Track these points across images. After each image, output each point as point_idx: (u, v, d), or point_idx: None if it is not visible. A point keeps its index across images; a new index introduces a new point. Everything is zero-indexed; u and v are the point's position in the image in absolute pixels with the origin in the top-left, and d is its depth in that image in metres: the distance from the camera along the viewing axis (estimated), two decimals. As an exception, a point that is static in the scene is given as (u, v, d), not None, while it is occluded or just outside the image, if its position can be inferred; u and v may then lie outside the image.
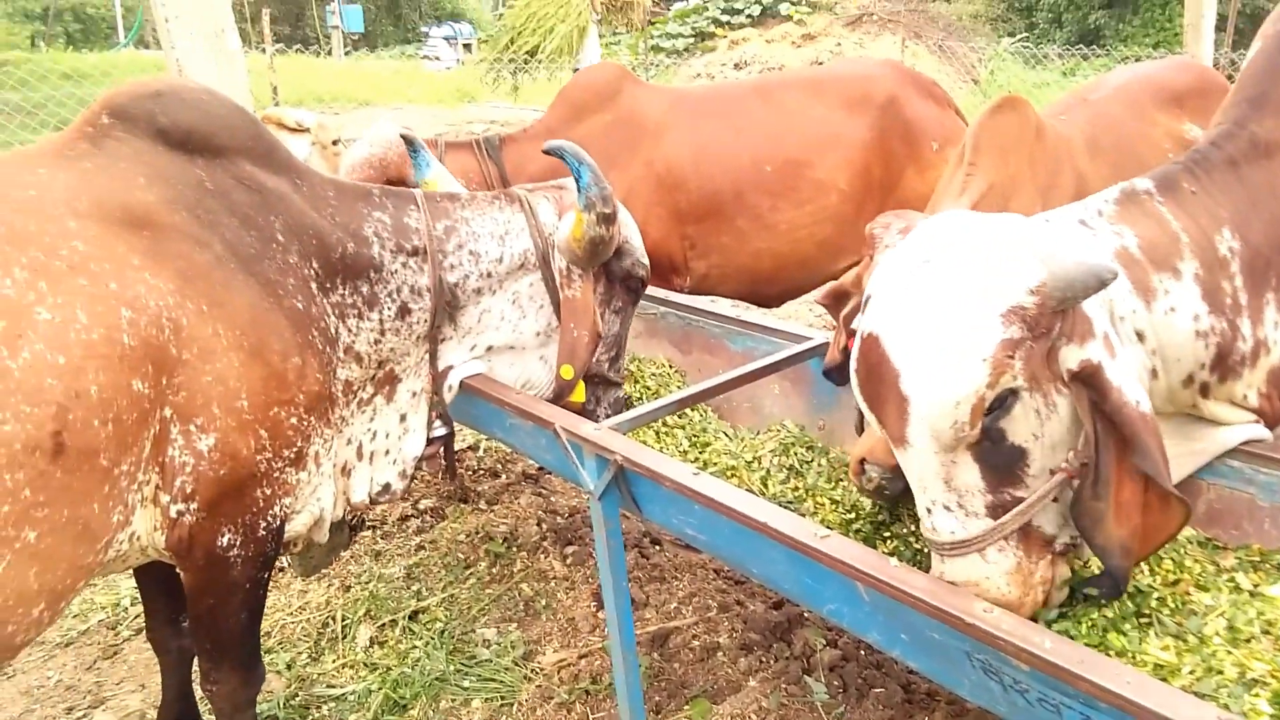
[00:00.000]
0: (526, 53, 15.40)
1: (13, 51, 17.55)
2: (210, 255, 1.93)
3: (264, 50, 11.14)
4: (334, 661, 3.03)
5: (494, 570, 3.48)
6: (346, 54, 22.70)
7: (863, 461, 2.05)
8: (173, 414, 1.83)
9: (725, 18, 21.15)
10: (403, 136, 3.00)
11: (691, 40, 21.04)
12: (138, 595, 3.39)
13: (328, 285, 2.18)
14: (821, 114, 3.92)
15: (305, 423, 2.06)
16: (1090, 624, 1.87)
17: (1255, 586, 1.85)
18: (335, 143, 4.56)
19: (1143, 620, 1.84)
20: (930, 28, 20.46)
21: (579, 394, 2.68)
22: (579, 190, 2.40)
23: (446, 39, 26.46)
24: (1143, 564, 1.97)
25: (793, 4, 20.42)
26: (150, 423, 1.79)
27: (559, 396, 2.67)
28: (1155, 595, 1.88)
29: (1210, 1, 8.37)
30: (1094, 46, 18.44)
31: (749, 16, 20.88)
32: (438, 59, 24.45)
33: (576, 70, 13.94)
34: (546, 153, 2.42)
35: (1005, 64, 17.46)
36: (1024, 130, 2.71)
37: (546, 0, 16.04)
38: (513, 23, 16.18)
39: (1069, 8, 21.96)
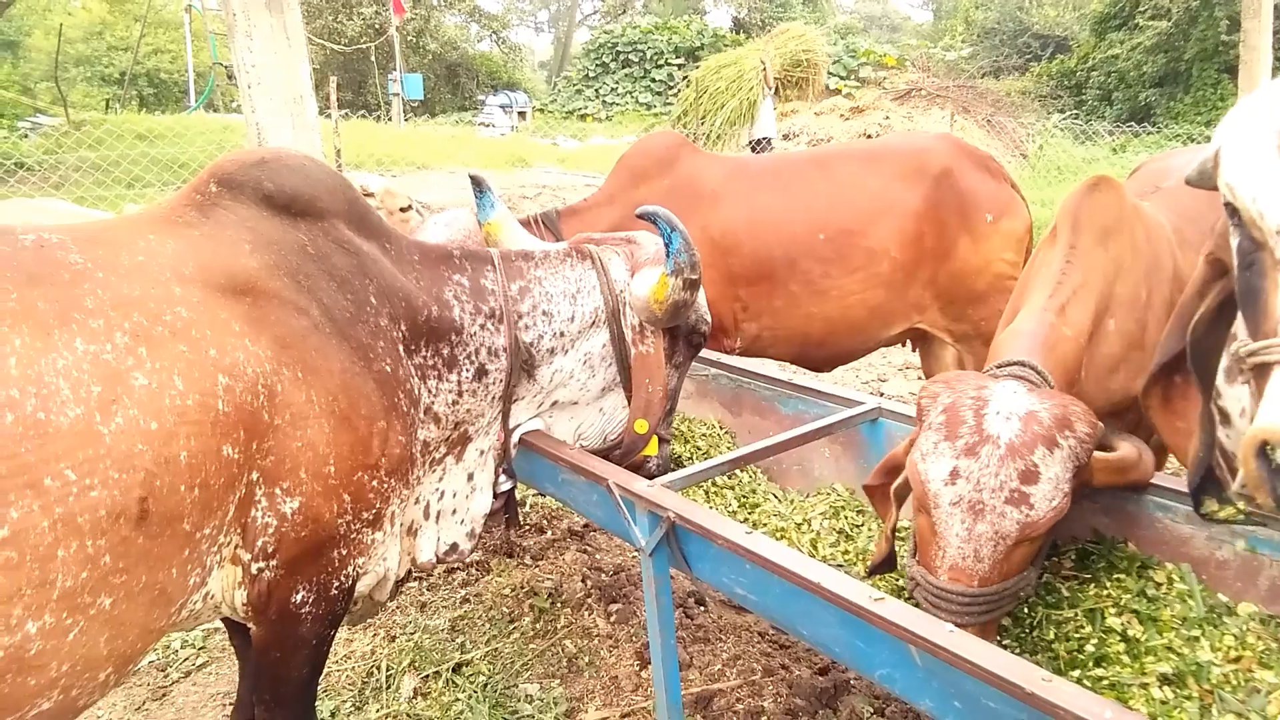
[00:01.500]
0: (700, 119, 16.11)
1: (89, 113, 18.32)
2: (308, 321, 1.95)
3: (329, 116, 11.52)
4: (377, 711, 3.03)
5: (538, 625, 3.48)
6: (406, 120, 23.37)
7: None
8: (260, 478, 1.84)
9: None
10: (470, 177, 3.06)
11: (741, 112, 21.37)
12: (187, 638, 3.45)
13: (412, 347, 2.21)
14: (876, 184, 3.97)
15: (386, 485, 2.07)
16: (1149, 698, 1.84)
17: (1321, 666, 1.81)
18: (405, 209, 4.65)
19: (1205, 696, 1.81)
20: (979, 103, 20.62)
21: (652, 447, 2.70)
22: (668, 254, 2.44)
23: (502, 107, 27.17)
24: (1202, 640, 1.94)
25: (841, 78, 20.74)
26: (237, 487, 1.80)
27: (632, 450, 2.68)
28: (1217, 671, 1.85)
29: (1265, 79, 8.38)
30: (1145, 124, 18.42)
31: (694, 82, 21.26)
32: (493, 125, 25.08)
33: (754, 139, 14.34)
34: (640, 217, 2.47)
35: (1054, 140, 17.50)
36: (1124, 211, 2.57)
37: (720, 77, 16.70)
38: (690, 96, 16.89)
39: (1119, 85, 22.05)
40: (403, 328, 2.18)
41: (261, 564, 1.91)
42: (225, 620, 2.42)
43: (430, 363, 2.27)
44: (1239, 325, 1.75)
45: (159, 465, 1.62)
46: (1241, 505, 1.82)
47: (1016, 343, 2.25)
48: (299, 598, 2.00)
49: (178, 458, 1.65)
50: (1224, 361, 2.15)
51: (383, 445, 2.04)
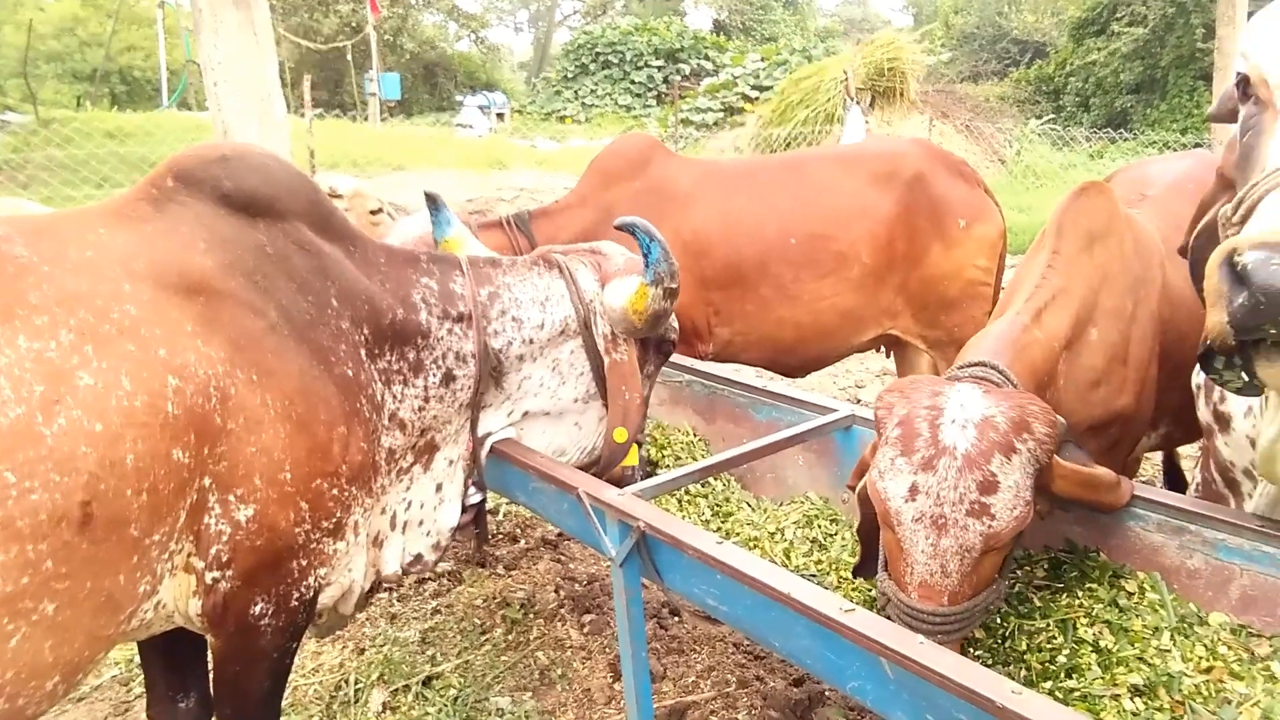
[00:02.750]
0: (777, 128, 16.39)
1: (59, 110, 18.10)
2: (264, 322, 1.90)
3: (303, 115, 11.42)
4: (345, 725, 2.98)
5: (510, 637, 3.44)
6: (383, 120, 23.24)
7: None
8: (212, 483, 1.80)
9: (754, 93, 21.57)
10: (425, 194, 3.02)
11: (721, 114, 21.44)
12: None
13: (376, 351, 2.16)
14: (848, 188, 3.97)
15: (347, 493, 2.02)
16: (1120, 709, 1.83)
17: (1291, 676, 1.80)
18: (375, 212, 4.59)
19: (1176, 707, 1.80)
20: (958, 108, 20.76)
21: (633, 456, 2.67)
22: (647, 264, 2.41)
23: (480, 108, 27.07)
24: (1174, 650, 1.93)
25: (788, 80, 20.84)
26: (188, 492, 1.75)
27: (612, 461, 2.64)
28: (1188, 682, 1.84)
29: (1236, 88, 8.47)
30: (1121, 130, 18.61)
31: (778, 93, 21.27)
32: (471, 127, 24.98)
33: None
34: (619, 228, 2.44)
35: (1032, 145, 17.64)
36: (1113, 218, 2.54)
37: (800, 88, 16.77)
38: (771, 107, 17.20)
39: (1096, 91, 22.26)
40: (366, 331, 2.13)
41: (216, 573, 1.85)
42: (149, 693, 2.37)
43: (395, 367, 2.22)
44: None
45: (103, 468, 1.57)
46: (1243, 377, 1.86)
47: (981, 344, 2.23)
48: (258, 609, 1.94)
49: (124, 460, 1.60)
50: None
51: (343, 451, 1.98)
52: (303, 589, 2.02)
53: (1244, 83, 1.73)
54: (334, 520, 2.01)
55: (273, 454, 1.85)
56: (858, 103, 15.54)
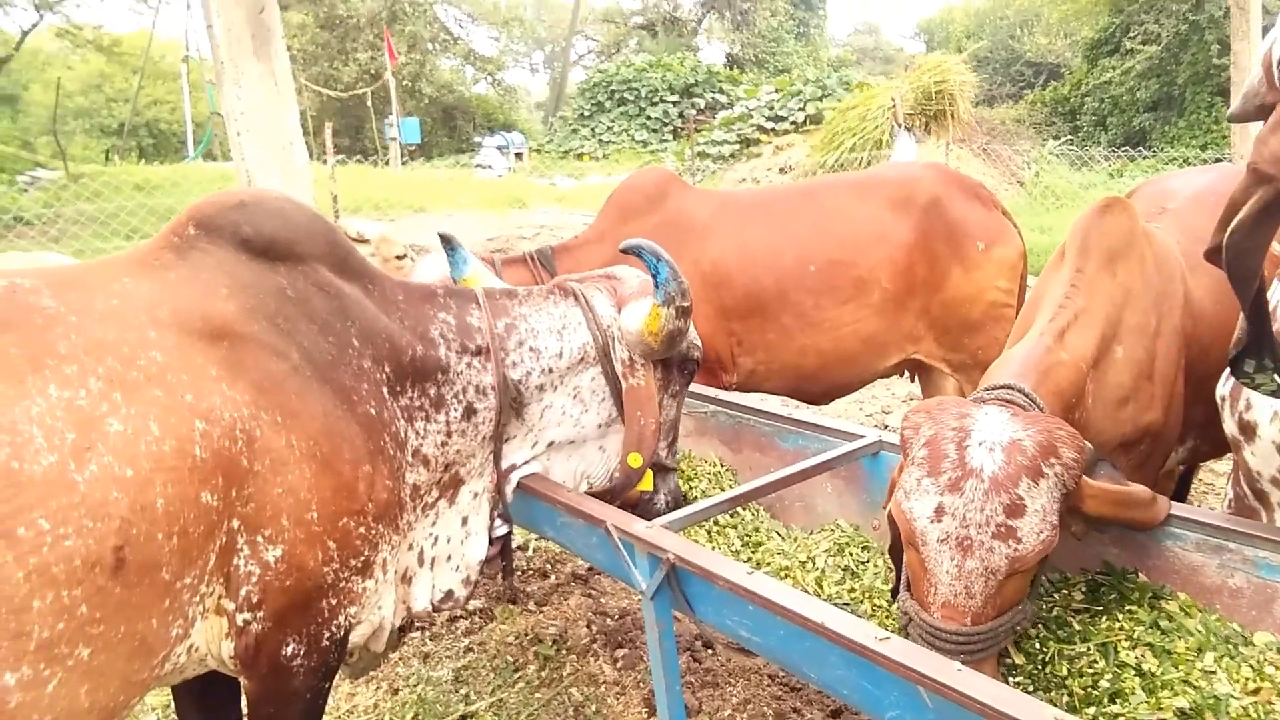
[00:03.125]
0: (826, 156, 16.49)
1: (88, 165, 18.47)
2: (287, 364, 1.93)
3: (325, 161, 11.60)
4: (380, 767, 2.97)
5: (543, 674, 3.42)
6: (404, 164, 23.55)
7: None
8: (240, 525, 1.81)
9: (770, 124, 21.68)
10: (440, 235, 3.05)
11: (737, 146, 21.55)
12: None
13: (398, 389, 2.18)
14: (865, 214, 3.97)
15: (374, 531, 2.04)
16: (1168, 735, 1.79)
17: (1341, 696, 1.76)
18: (400, 257, 4.64)
19: (1224, 731, 1.76)
20: (974, 132, 20.74)
21: (647, 482, 2.66)
22: (657, 285, 2.42)
23: (499, 148, 27.39)
24: (1219, 670, 1.89)
25: (836, 110, 20.89)
26: (217, 535, 1.77)
27: (625, 486, 2.64)
28: (1236, 704, 1.79)
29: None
30: (1140, 148, 18.54)
31: (793, 123, 21.38)
32: (490, 167, 25.26)
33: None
34: (623, 251, 2.46)
35: (1050, 166, 17.60)
36: (1134, 234, 2.51)
37: (848, 117, 16.89)
38: (822, 135, 17.52)
39: (1113, 110, 22.23)
40: (387, 369, 2.15)
41: (248, 615, 1.86)
42: None
43: (417, 404, 2.23)
44: None
45: (135, 513, 1.59)
46: (1275, 380, 1.86)
47: (1006, 367, 2.21)
48: (289, 650, 1.95)
49: (154, 505, 1.62)
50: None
51: (369, 490, 2.00)
52: (333, 628, 2.02)
53: None
54: (362, 558, 2.02)
55: (299, 494, 1.87)
56: (907, 128, 15.52)
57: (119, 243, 11.18)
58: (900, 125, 15.47)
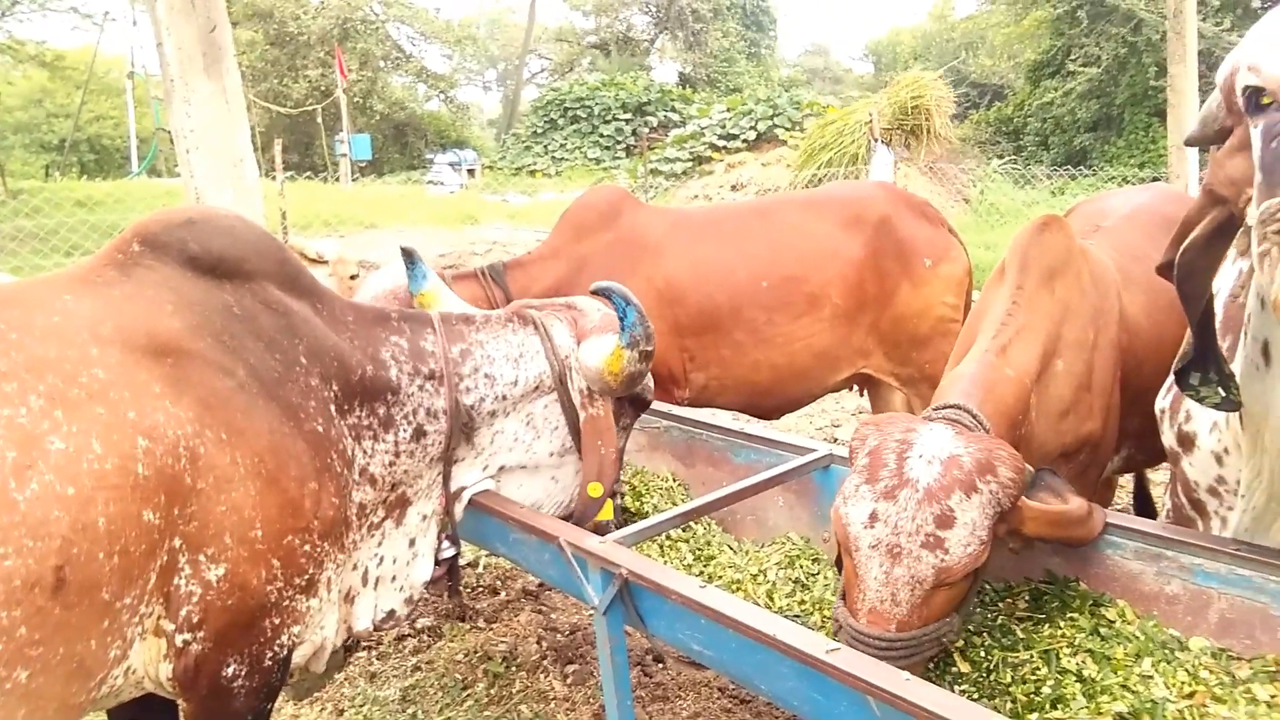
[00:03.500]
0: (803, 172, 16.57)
1: (29, 181, 18.06)
2: (233, 381, 1.91)
3: (274, 177, 11.47)
4: (328, 790, 2.92)
5: (492, 691, 3.39)
6: (354, 180, 23.36)
7: None
8: (182, 544, 1.79)
9: (722, 142, 21.89)
10: (401, 249, 3.04)
11: (689, 164, 21.72)
12: None
13: (346, 407, 2.17)
14: (816, 232, 4.03)
15: (319, 549, 2.02)
16: (1107, 739, 1.83)
17: (1272, 697, 1.82)
18: (354, 277, 4.63)
19: (1161, 734, 1.81)
20: (937, 148, 21.10)
21: (607, 511, 2.66)
22: (624, 328, 2.44)
23: (451, 165, 27.31)
24: (1156, 675, 1.94)
25: (786, 129, 21.14)
26: (158, 554, 1.74)
27: (585, 515, 2.63)
28: (1172, 707, 1.84)
29: (1193, 124, 8.68)
30: (1081, 167, 19.00)
31: (745, 141, 21.61)
32: (442, 184, 25.17)
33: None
34: (595, 293, 2.48)
35: (995, 184, 17.97)
36: (1071, 251, 2.59)
37: (825, 132, 16.90)
38: (800, 150, 17.56)
39: (1055, 130, 22.78)
40: (335, 388, 2.14)
41: (188, 635, 1.83)
42: None
43: (365, 423, 2.22)
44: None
45: (76, 532, 1.56)
46: (1220, 393, 1.91)
47: (955, 386, 2.26)
48: (230, 670, 1.92)
49: (96, 524, 1.59)
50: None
51: (315, 507, 1.98)
52: (276, 648, 2.00)
53: (1255, 94, 1.73)
54: (307, 577, 2.00)
55: (243, 512, 1.85)
56: (885, 143, 15.67)
57: (59, 259, 10.93)
58: (877, 140, 15.65)
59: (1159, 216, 3.25)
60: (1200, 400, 1.96)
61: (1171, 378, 2.38)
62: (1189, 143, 2.12)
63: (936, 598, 1.90)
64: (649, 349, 2.47)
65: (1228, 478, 2.18)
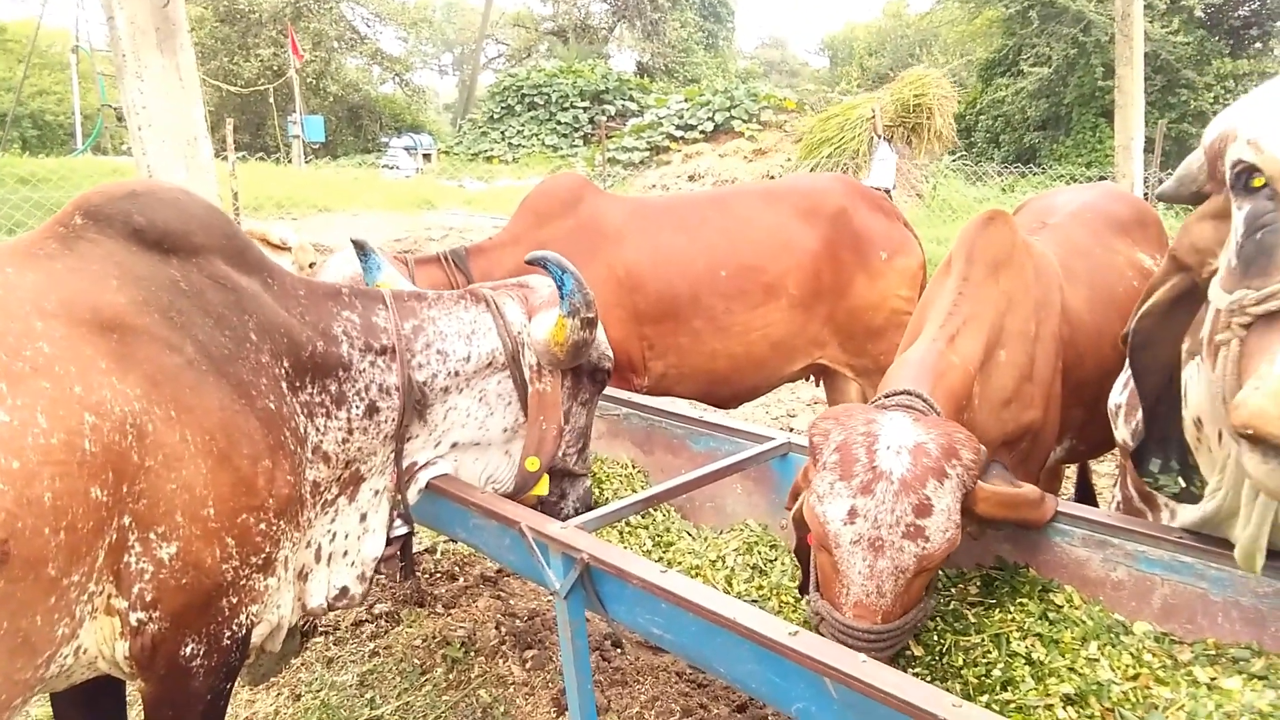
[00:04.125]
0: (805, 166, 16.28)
1: (-34, 156, 17.52)
2: (181, 358, 1.89)
3: (225, 158, 11.26)
4: (283, 775, 2.91)
5: (451, 676, 3.40)
6: (307, 162, 22.99)
7: None
8: (131, 522, 1.77)
9: (679, 133, 21.89)
10: (353, 241, 3.03)
11: (647, 153, 21.70)
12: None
13: (298, 384, 2.16)
14: (774, 223, 4.07)
15: (275, 528, 2.01)
16: (1054, 719, 1.89)
17: (1212, 680, 1.89)
18: (312, 265, 4.59)
19: (1106, 714, 1.87)
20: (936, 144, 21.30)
21: (542, 486, 2.68)
22: (562, 296, 2.45)
23: (407, 149, 26.96)
24: (1102, 658, 2.01)
25: (744, 121, 21.20)
26: (106, 531, 1.72)
27: (522, 489, 2.66)
28: (1117, 689, 1.91)
29: (1138, 125, 8.86)
30: (1030, 164, 19.33)
31: (702, 132, 21.63)
32: (398, 168, 24.87)
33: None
34: (529, 263, 2.47)
35: (947, 180, 18.21)
36: (1015, 245, 2.66)
37: (827, 126, 16.67)
38: (803, 144, 17.36)
39: (1005, 129, 23.14)
40: (286, 364, 2.12)
41: (143, 614, 1.82)
42: None
43: (317, 400, 2.21)
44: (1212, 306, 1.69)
45: (21, 506, 1.54)
46: (1179, 482, 1.87)
47: (904, 372, 2.31)
48: (189, 650, 1.91)
49: (41, 499, 1.57)
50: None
51: (269, 485, 1.97)
52: (234, 627, 1.99)
53: (1247, 172, 1.61)
54: (264, 556, 1.99)
55: (194, 490, 1.83)
56: (886, 139, 15.63)
57: (2, 237, 10.63)
58: (879, 136, 15.63)
59: (1103, 214, 3.37)
60: (1158, 489, 1.92)
61: (1123, 375, 2.46)
62: (1161, 197, 1.97)
63: (915, 584, 1.94)
64: (590, 315, 2.48)
65: None
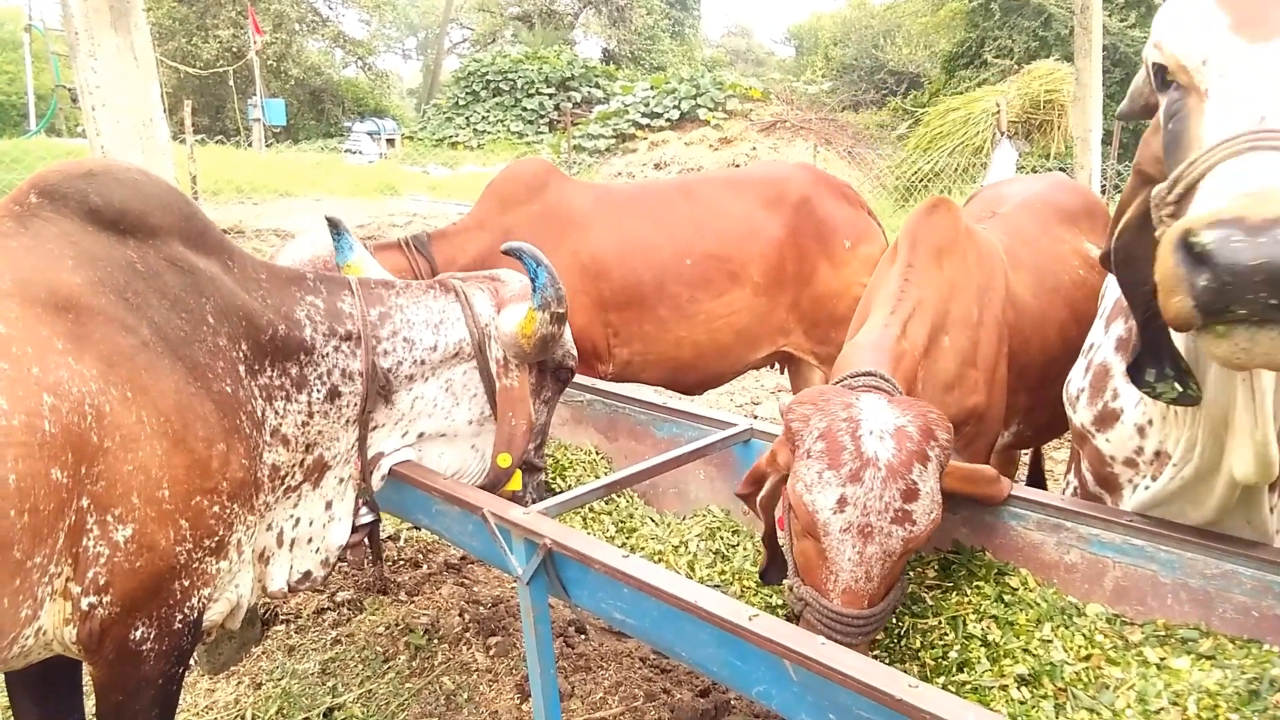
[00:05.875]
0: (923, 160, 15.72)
1: (-84, 136, 17.07)
2: (136, 339, 1.87)
3: (184, 141, 11.07)
4: (243, 763, 2.89)
5: (414, 664, 3.39)
6: (268, 146, 22.67)
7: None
8: (90, 504, 1.76)
9: (645, 120, 21.88)
10: (327, 219, 3.00)
11: (613, 141, 21.67)
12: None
13: (256, 367, 2.14)
14: (738, 211, 4.08)
15: (228, 511, 2.00)
16: (1009, 699, 1.93)
17: (1162, 660, 1.93)
18: None
19: (1059, 694, 1.91)
20: (840, 135, 21.45)
21: (515, 482, 2.69)
22: (534, 289, 2.45)
23: (370, 134, 26.71)
24: (1055, 640, 2.05)
25: (709, 109, 21.23)
26: (67, 513, 1.72)
27: (495, 484, 2.66)
28: (1069, 670, 1.95)
29: (1097, 118, 8.98)
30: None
31: (668, 120, 21.64)
32: (360, 153, 24.62)
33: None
34: (505, 253, 2.46)
35: (905, 170, 18.33)
36: (958, 232, 2.69)
37: (947, 120, 16.15)
38: (917, 137, 16.76)
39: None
40: (244, 347, 2.11)
41: (93, 599, 1.81)
42: None
43: (277, 383, 2.20)
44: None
45: None
46: (1176, 387, 1.87)
47: (864, 354, 2.31)
48: (139, 634, 1.90)
49: (5, 480, 1.57)
50: (1117, 358, 2.27)
51: (223, 468, 1.96)
52: (186, 610, 1.98)
53: (1161, 72, 1.70)
54: (216, 539, 1.98)
55: (150, 471, 1.83)
56: (1010, 136, 15.09)
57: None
58: (1003, 132, 15.04)
59: (1051, 204, 3.46)
60: (1157, 396, 1.94)
61: (1083, 360, 2.49)
62: (1120, 116, 2.07)
63: (897, 566, 1.96)
64: (560, 310, 2.48)
65: (1146, 448, 2.24)
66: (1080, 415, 2.47)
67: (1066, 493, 2.68)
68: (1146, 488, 2.21)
